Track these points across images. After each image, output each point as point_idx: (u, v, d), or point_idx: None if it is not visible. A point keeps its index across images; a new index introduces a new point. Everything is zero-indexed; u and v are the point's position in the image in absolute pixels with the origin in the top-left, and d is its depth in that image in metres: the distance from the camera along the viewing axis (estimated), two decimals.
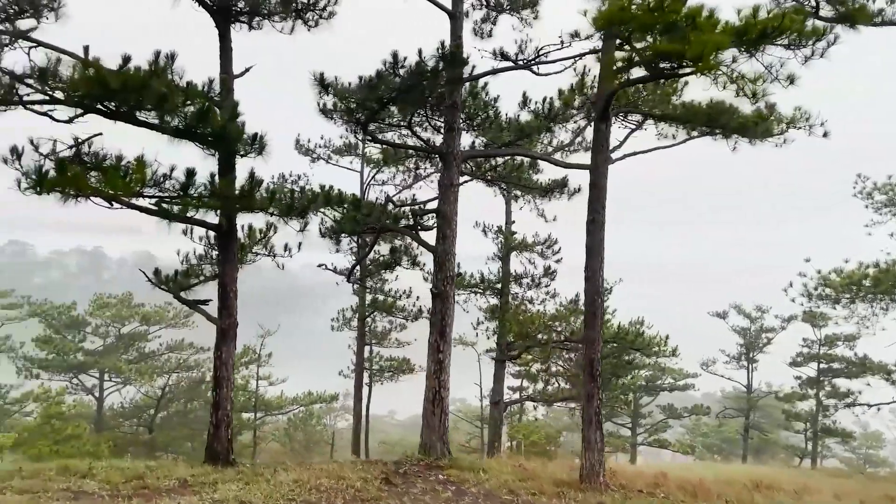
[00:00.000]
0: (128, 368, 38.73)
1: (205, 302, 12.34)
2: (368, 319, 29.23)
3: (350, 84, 11.62)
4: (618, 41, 10.43)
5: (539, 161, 19.98)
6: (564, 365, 29.36)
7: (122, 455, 36.89)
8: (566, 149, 16.67)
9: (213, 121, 9.21)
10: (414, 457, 13.10)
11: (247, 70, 11.81)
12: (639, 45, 9.42)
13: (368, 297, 26.41)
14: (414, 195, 20.99)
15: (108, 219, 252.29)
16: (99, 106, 9.60)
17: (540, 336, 23.68)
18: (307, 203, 10.51)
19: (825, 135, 13.76)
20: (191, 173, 8.97)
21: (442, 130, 15.01)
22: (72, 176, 7.94)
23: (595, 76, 15.49)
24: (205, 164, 11.15)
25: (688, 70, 9.31)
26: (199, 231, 13.19)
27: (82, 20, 12.25)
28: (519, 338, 23.95)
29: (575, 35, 12.67)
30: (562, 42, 12.97)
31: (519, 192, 23.48)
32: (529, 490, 10.76)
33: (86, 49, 8.17)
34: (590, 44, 12.95)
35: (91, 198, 9.04)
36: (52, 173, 8.04)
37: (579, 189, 19.34)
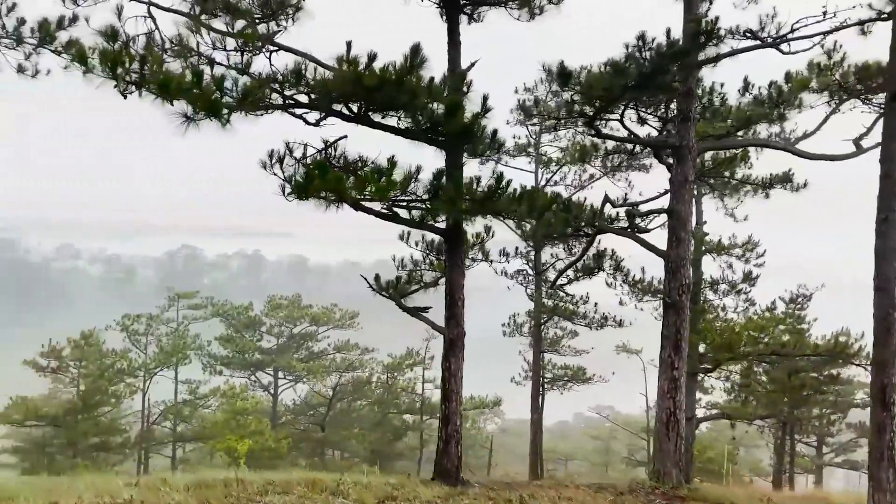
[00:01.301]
0: (301, 367, 40.36)
1: (425, 309, 11.80)
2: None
3: (583, 71, 10.55)
4: None
5: (749, 154, 18.01)
6: (757, 379, 26.70)
7: (298, 450, 38.50)
8: (803, 138, 14.62)
9: (460, 119, 8.50)
10: (647, 484, 11.83)
11: (472, 65, 11.09)
12: None
13: (547, 303, 25.31)
14: (604, 193, 19.57)
15: (265, 224, 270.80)
16: (338, 108, 9.26)
17: (743, 348, 21.43)
18: (546, 205, 9.58)
19: None
20: (439, 175, 8.30)
21: (657, 120, 13.66)
22: (333, 180, 7.51)
23: (845, 53, 13.43)
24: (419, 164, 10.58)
25: None
26: (415, 235, 12.73)
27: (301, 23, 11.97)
28: (718, 349, 21.83)
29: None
30: (824, 13, 11.16)
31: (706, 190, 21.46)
32: None
33: (348, 44, 7.72)
34: (860, 12, 11.04)
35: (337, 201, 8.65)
36: (307, 178, 7.64)
37: (805, 184, 17.12)
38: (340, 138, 8.93)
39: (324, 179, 7.58)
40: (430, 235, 12.39)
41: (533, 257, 24.60)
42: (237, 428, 32.68)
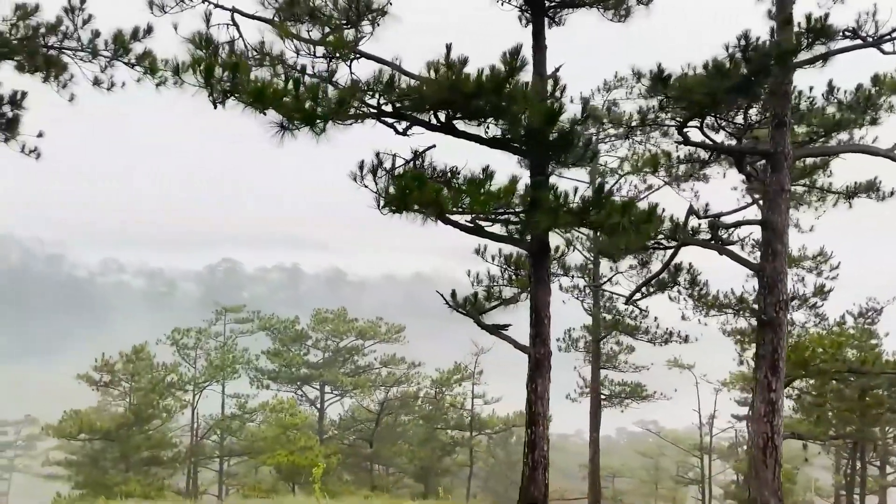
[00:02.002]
0: (347, 381, 40.06)
1: (505, 327, 11.23)
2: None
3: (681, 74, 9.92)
4: None
5: (829, 161, 17.10)
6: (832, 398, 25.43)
7: (346, 465, 38.13)
8: None
9: (556, 126, 7.96)
10: None
11: (557, 70, 10.56)
12: None
13: (607, 317, 24.50)
14: (689, 204, 18.80)
15: (301, 236, 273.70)
16: (423, 116, 8.83)
17: (820, 364, 20.32)
18: (643, 217, 8.97)
19: None
20: (538, 185, 7.76)
21: (732, 126, 12.93)
22: (432, 192, 7.04)
23: None
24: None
25: None
26: (492, 249, 12.22)
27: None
28: (793, 366, 20.74)
29: None
30: None
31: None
32: None
33: (448, 47, 7.26)
34: None
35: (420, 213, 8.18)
36: (405, 190, 7.18)
37: (893, 192, 16.10)
38: (429, 148, 8.47)
39: (422, 191, 7.12)
40: (507, 249, 11.88)
41: (591, 270, 23.90)
42: (287, 443, 32.45)
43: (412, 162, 8.35)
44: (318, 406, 42.03)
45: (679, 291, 19.96)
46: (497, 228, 9.93)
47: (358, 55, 9.40)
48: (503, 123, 8.06)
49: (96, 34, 10.40)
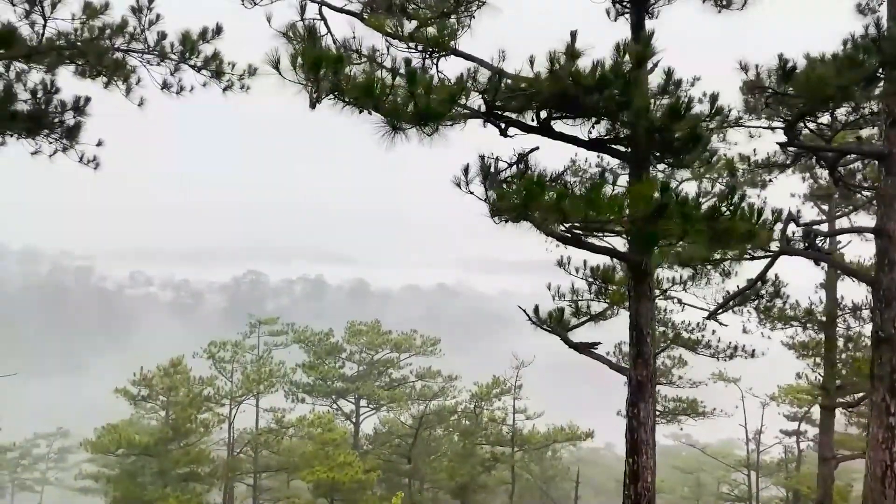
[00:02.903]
0: (384, 395, 39.30)
1: (594, 345, 10.39)
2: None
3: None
4: None
5: None
6: None
7: (389, 484, 37.30)
8: None
9: (680, 123, 7.14)
10: None
11: (654, 66, 9.75)
12: None
13: (663, 330, 23.44)
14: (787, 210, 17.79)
15: (325, 248, 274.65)
16: (518, 117, 8.05)
17: None
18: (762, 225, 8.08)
19: None
20: (664, 190, 6.92)
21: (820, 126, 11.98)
22: (558, 198, 6.25)
23: None
24: None
25: None
26: (576, 261, 11.40)
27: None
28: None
29: None
30: None
31: None
32: None
33: (573, 35, 6.48)
34: None
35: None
36: (528, 196, 6.40)
37: None
38: (533, 150, 7.69)
39: (540, 199, 6.33)
40: (595, 261, 11.04)
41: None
42: (326, 460, 31.73)
43: (515, 165, 7.57)
44: (353, 420, 41.29)
45: (759, 304, 18.96)
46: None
47: (450, 51, 8.67)
48: (609, 122, 7.27)
49: (163, 36, 9.81)
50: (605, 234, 9.16)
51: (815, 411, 30.77)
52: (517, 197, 6.42)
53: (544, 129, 8.28)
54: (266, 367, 36.83)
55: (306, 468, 32.16)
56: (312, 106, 6.23)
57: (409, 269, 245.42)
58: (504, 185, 6.94)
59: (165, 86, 9.51)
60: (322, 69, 5.86)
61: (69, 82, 10.55)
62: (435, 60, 8.81)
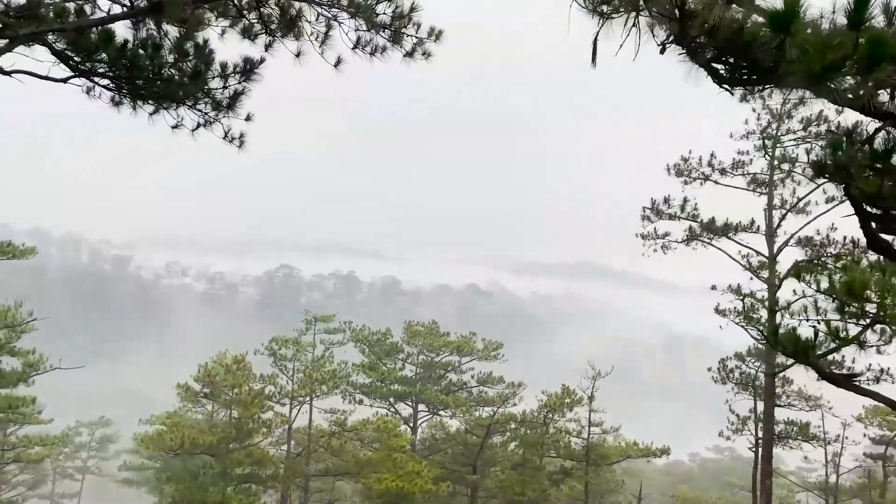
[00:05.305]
0: (447, 400, 37.60)
1: (854, 376, 8.56)
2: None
3: None
4: None
5: None
6: None
7: (454, 496, 35.61)
8: None
9: None
10: None
11: None
12: None
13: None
14: None
15: (358, 244, 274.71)
16: None
17: None
18: None
19: None
20: None
21: None
22: None
23: None
24: None
25: None
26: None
27: None
28: None
29: None
30: None
31: None
32: None
33: None
34: None
35: None
36: None
37: None
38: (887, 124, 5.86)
39: None
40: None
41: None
42: (393, 467, 30.21)
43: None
44: (411, 424, 39.68)
45: None
46: None
47: None
48: None
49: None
50: None
51: None
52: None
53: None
54: (328, 366, 35.35)
55: (371, 474, 30.66)
56: (662, 51, 4.52)
57: (441, 268, 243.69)
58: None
59: (358, 44, 7.86)
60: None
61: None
62: None
